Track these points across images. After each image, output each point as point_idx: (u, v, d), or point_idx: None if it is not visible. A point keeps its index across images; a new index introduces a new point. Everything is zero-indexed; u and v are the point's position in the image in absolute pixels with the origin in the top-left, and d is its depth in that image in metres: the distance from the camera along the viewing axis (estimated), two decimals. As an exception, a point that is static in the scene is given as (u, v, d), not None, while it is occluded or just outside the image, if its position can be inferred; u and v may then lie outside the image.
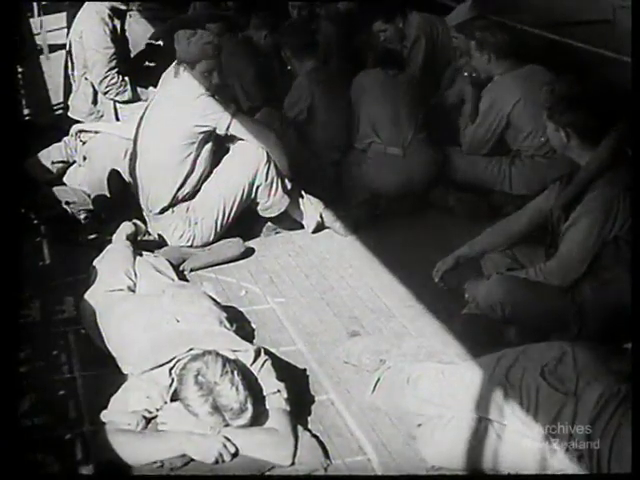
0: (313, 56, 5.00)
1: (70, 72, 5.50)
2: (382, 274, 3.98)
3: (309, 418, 2.96)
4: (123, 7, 5.56)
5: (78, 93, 5.44)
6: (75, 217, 4.39)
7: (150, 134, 4.18)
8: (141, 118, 4.31)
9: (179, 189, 4.11)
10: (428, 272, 3.71)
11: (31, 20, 7.74)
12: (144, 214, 4.23)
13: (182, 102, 4.07)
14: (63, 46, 7.21)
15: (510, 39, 4.62)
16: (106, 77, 5.30)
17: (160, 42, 5.70)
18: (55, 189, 4.60)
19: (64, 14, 7.41)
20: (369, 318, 3.61)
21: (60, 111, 6.04)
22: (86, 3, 5.43)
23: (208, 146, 4.12)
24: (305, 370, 3.23)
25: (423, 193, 4.69)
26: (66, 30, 7.07)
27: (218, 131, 4.09)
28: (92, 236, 4.11)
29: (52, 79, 6.90)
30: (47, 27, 7.67)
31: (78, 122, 5.28)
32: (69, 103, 5.54)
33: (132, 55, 5.93)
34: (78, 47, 5.37)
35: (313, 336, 3.49)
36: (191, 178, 4.11)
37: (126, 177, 4.49)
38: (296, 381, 3.12)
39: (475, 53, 4.62)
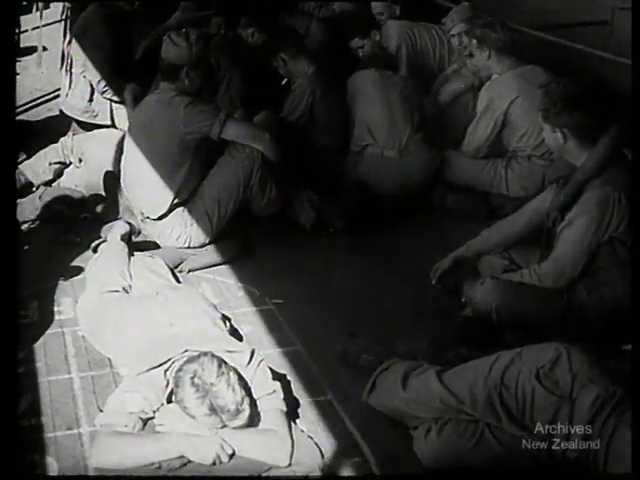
0: (310, 58, 4.97)
1: (67, 69, 5.47)
2: (380, 275, 3.99)
3: (307, 419, 2.95)
4: (127, 7, 5.55)
5: (75, 90, 5.41)
6: (72, 218, 4.40)
7: (140, 140, 4.11)
8: (131, 122, 4.29)
9: (176, 196, 4.06)
10: (426, 273, 3.72)
11: (28, 17, 7.68)
12: (138, 219, 4.17)
13: (172, 109, 4.00)
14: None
15: (511, 37, 4.63)
16: None
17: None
18: (52, 190, 4.60)
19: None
20: (368, 318, 3.61)
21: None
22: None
23: (202, 151, 4.07)
24: (302, 371, 3.23)
25: (421, 194, 4.69)
26: (55, 28, 7.07)
27: (211, 136, 4.02)
28: (88, 237, 4.10)
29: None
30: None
31: (72, 119, 5.28)
32: (63, 100, 5.51)
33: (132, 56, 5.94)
34: (80, 44, 5.34)
35: (312, 336, 3.48)
36: (187, 185, 4.06)
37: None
38: (294, 382, 3.13)
39: (476, 51, 4.63)
